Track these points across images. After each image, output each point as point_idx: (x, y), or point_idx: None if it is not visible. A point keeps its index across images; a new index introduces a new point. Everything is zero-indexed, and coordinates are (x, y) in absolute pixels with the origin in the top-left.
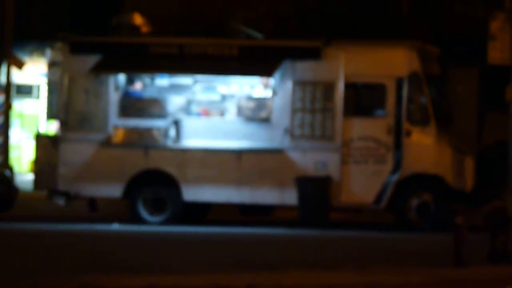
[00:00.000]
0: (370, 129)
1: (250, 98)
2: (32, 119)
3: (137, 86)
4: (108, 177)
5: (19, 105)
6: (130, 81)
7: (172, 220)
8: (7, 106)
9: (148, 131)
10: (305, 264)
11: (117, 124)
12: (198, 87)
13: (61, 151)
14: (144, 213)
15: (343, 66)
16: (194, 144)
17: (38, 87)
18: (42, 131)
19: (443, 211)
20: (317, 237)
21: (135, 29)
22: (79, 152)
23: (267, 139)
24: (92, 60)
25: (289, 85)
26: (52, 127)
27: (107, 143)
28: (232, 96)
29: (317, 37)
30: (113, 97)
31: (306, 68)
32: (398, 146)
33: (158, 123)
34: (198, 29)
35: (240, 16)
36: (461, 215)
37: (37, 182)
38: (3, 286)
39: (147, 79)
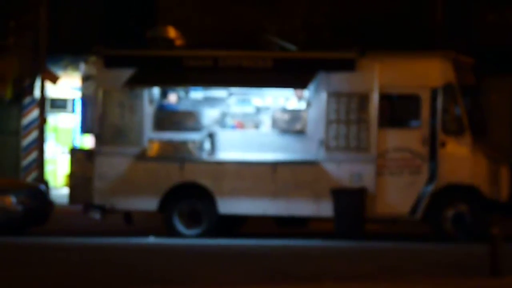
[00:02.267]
0: (405, 140)
1: (284, 110)
2: (66, 133)
3: (172, 99)
4: (143, 191)
5: (53, 119)
6: (164, 95)
7: (208, 233)
8: (42, 120)
9: (183, 144)
10: (341, 276)
11: (152, 137)
12: (232, 100)
13: (96, 165)
14: (179, 226)
15: (377, 77)
16: (229, 156)
17: (73, 101)
18: (77, 145)
19: (479, 221)
20: (353, 248)
21: (169, 42)
22: (114, 165)
23: (302, 151)
24: (126, 73)
25: (323, 96)
26: (87, 141)
27: (142, 156)
28: (266, 109)
29: (352, 48)
30: (148, 111)
31: (340, 80)
32: (433, 156)
33: (193, 136)
34: (232, 42)
35: (274, 28)
36: (496, 225)
37: (72, 196)
38: None
39: (181, 92)
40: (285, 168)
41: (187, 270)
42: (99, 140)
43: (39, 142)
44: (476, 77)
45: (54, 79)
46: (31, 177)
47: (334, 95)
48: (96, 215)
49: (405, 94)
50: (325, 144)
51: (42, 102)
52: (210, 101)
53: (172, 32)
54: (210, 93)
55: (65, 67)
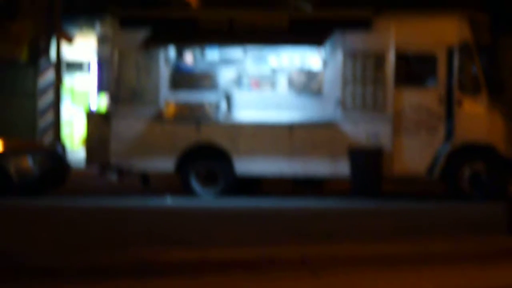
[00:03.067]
0: (422, 99)
1: (301, 70)
2: (83, 95)
3: (188, 60)
4: (160, 152)
5: (69, 80)
6: (180, 55)
7: (224, 193)
8: (58, 81)
9: (199, 105)
10: (358, 236)
11: (169, 98)
12: (248, 60)
13: (113, 126)
14: (196, 186)
15: (393, 36)
16: (245, 117)
17: (89, 62)
18: (93, 107)
19: (496, 180)
20: (370, 208)
21: (185, 2)
22: (130, 127)
23: (319, 111)
24: (142, 34)
25: (339, 56)
26: (103, 103)
27: (159, 117)
28: (283, 69)
29: (367, 7)
30: (164, 72)
31: (356, 39)
32: (449, 115)
33: (209, 97)
34: (248, 2)
35: None
36: None
37: (89, 158)
38: (56, 262)
39: (197, 53)
40: (302, 128)
41: (204, 231)
42: (115, 101)
43: (55, 103)
44: (492, 35)
45: (69, 39)
46: (47, 139)
47: (350, 55)
48: (113, 177)
49: (421, 53)
50: (341, 104)
51: (58, 63)
52: (226, 62)
53: None
54: (226, 53)
55: (80, 27)
